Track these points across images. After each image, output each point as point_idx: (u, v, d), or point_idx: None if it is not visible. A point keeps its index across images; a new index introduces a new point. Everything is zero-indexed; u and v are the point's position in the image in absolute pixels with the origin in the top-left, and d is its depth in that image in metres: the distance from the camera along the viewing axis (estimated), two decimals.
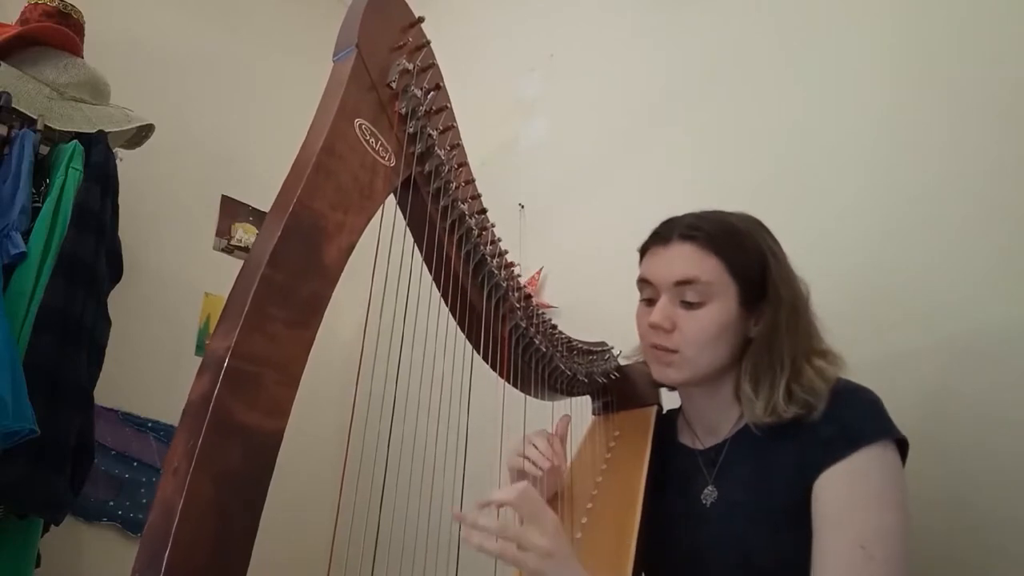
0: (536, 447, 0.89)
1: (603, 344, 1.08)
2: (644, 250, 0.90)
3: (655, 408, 1.04)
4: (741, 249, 0.83)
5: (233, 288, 0.54)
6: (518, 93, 2.08)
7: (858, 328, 1.03)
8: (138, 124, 1.79)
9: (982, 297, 1.01)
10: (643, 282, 0.89)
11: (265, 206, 2.33)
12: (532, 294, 0.96)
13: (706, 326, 0.82)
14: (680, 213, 0.90)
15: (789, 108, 1.38)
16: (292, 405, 0.53)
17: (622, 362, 1.09)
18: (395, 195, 0.69)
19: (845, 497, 0.73)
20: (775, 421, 0.79)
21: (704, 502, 0.85)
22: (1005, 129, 1.04)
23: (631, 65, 1.77)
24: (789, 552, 0.75)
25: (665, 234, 0.87)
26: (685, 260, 0.83)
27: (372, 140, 0.63)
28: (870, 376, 0.82)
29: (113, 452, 1.83)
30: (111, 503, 1.81)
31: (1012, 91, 1.05)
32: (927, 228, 1.10)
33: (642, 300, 0.90)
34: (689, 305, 0.83)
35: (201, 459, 0.46)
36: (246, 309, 0.51)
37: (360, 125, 0.62)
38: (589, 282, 1.66)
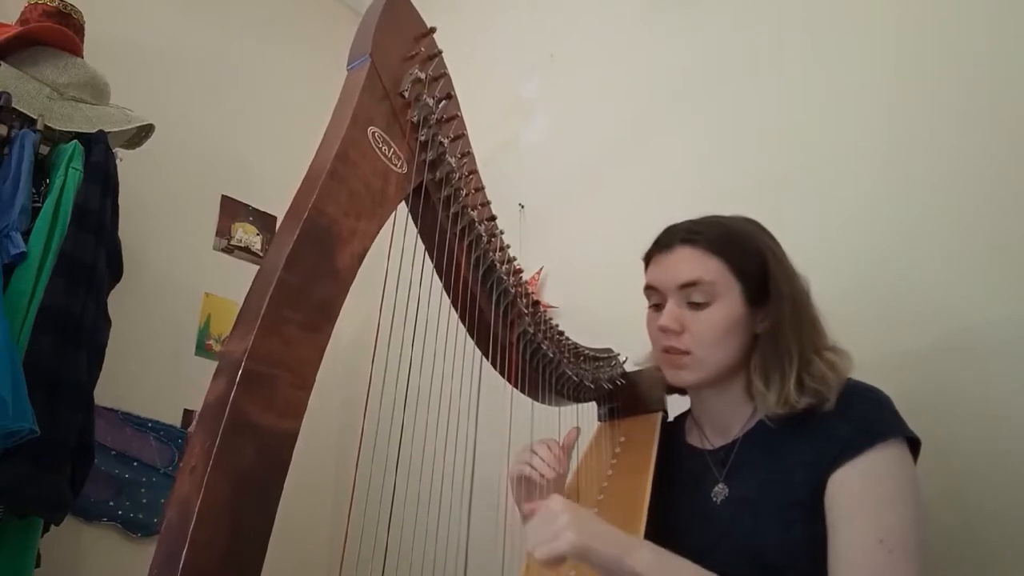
0: (540, 456, 0.90)
1: (609, 351, 1.10)
2: (648, 258, 0.93)
3: (660, 414, 1.05)
4: (741, 249, 0.86)
5: (249, 292, 0.55)
6: (518, 93, 2.09)
7: (865, 328, 1.04)
8: (138, 124, 1.79)
9: (987, 297, 1.02)
10: (650, 289, 0.91)
11: (265, 206, 2.35)
12: (537, 298, 0.97)
13: (715, 324, 0.84)
14: (681, 214, 0.92)
15: (793, 108, 1.38)
16: (306, 407, 0.54)
17: (628, 368, 1.10)
18: (406, 202, 0.70)
19: (861, 493, 0.74)
20: (789, 412, 0.81)
21: (715, 499, 0.86)
22: (1014, 130, 1.05)
23: (632, 64, 1.78)
24: (801, 548, 0.76)
25: (667, 241, 0.90)
26: (688, 263, 0.86)
27: (385, 148, 0.64)
28: (876, 376, 0.83)
29: (113, 452, 1.82)
30: (111, 503, 1.81)
31: (1021, 92, 1.06)
32: (934, 229, 1.11)
33: (650, 307, 0.92)
34: (696, 306, 0.85)
35: (218, 459, 0.47)
36: (263, 312, 0.52)
37: (373, 133, 0.63)
38: (589, 282, 1.66)
